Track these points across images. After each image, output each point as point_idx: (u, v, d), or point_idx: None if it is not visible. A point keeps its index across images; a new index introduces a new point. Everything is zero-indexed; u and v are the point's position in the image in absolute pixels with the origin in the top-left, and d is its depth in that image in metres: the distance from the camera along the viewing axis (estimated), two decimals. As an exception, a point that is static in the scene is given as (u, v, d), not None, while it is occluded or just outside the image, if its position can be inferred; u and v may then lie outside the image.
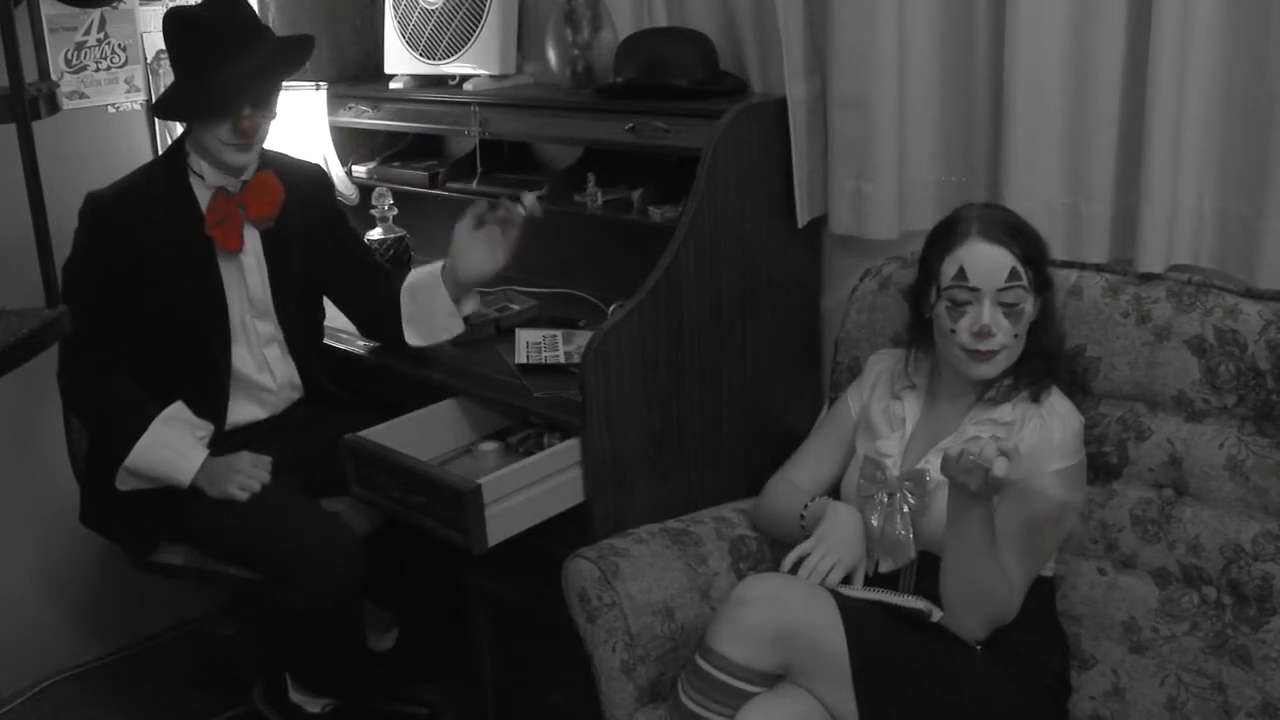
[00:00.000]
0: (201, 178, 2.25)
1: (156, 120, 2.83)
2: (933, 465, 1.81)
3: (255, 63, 2.16)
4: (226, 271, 2.28)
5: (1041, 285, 1.83)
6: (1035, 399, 1.81)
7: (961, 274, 1.78)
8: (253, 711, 2.59)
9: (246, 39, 2.17)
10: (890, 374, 1.99)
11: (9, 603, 2.81)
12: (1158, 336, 1.84)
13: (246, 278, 2.30)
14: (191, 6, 2.20)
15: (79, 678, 2.90)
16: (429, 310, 2.34)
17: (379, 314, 2.42)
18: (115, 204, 2.22)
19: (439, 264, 2.33)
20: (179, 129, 2.76)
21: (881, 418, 1.95)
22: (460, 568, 2.38)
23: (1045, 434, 1.78)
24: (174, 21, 2.19)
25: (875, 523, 1.84)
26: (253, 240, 2.30)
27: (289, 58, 2.26)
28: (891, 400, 1.95)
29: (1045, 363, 1.83)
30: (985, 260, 1.77)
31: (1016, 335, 1.79)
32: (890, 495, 1.84)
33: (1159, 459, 1.84)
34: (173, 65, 2.24)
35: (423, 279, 2.35)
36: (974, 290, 1.77)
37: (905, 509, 1.82)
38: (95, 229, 2.22)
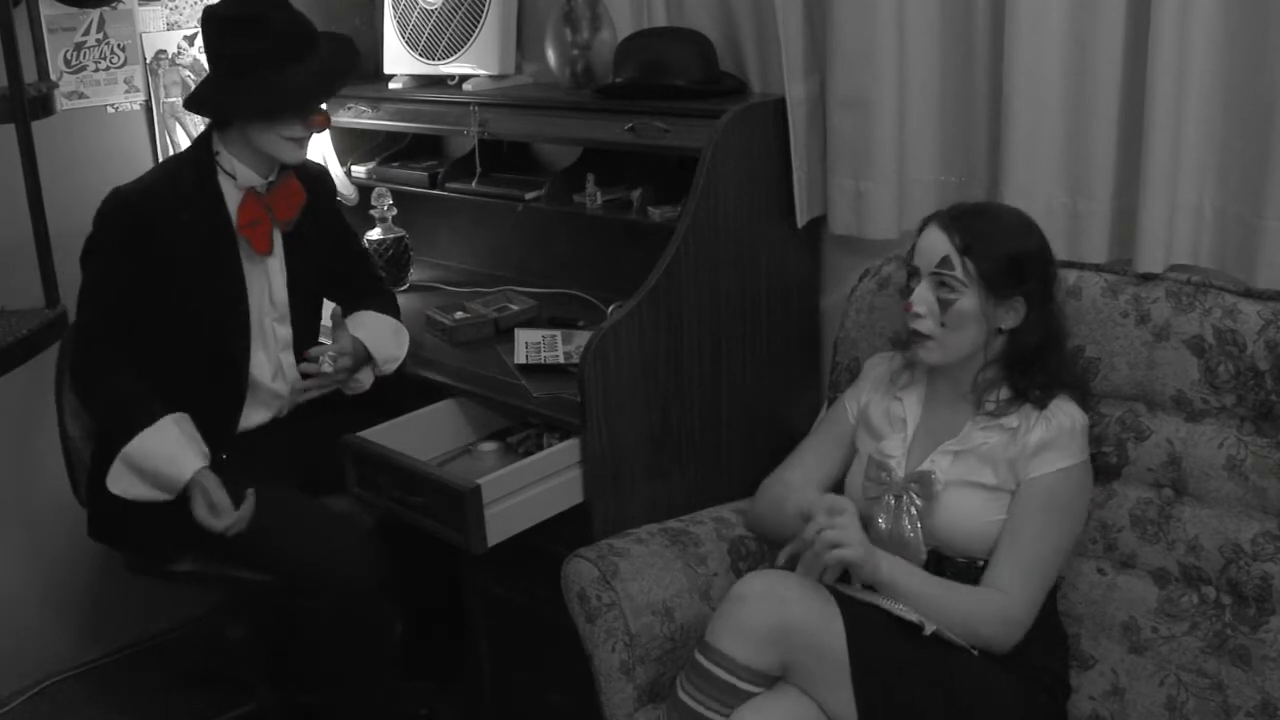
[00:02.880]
0: (233, 178, 2.20)
1: (155, 120, 2.82)
2: (938, 466, 1.81)
3: (327, 62, 2.17)
4: (251, 274, 2.24)
5: (995, 285, 1.77)
6: (1041, 405, 1.80)
7: (911, 252, 1.84)
8: (254, 711, 2.59)
9: (311, 39, 2.16)
10: (888, 375, 1.99)
11: (9, 603, 2.81)
12: (1157, 336, 1.84)
13: (271, 280, 2.27)
14: (246, 6, 2.13)
15: (79, 678, 2.91)
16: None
17: None
18: (142, 202, 2.15)
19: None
20: (179, 130, 2.74)
21: (882, 419, 1.95)
22: (460, 568, 2.38)
23: (1051, 433, 1.77)
24: (227, 22, 2.13)
25: (883, 524, 1.84)
26: (277, 242, 2.27)
27: (347, 58, 2.26)
28: (891, 401, 1.95)
29: (1041, 374, 1.81)
30: (928, 242, 1.81)
31: (944, 325, 1.79)
32: (897, 497, 1.84)
33: (1158, 459, 1.84)
34: (226, 64, 2.15)
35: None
36: (916, 269, 1.82)
37: (913, 510, 1.82)
38: (121, 227, 2.14)
